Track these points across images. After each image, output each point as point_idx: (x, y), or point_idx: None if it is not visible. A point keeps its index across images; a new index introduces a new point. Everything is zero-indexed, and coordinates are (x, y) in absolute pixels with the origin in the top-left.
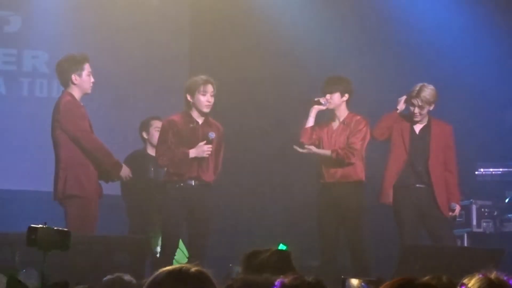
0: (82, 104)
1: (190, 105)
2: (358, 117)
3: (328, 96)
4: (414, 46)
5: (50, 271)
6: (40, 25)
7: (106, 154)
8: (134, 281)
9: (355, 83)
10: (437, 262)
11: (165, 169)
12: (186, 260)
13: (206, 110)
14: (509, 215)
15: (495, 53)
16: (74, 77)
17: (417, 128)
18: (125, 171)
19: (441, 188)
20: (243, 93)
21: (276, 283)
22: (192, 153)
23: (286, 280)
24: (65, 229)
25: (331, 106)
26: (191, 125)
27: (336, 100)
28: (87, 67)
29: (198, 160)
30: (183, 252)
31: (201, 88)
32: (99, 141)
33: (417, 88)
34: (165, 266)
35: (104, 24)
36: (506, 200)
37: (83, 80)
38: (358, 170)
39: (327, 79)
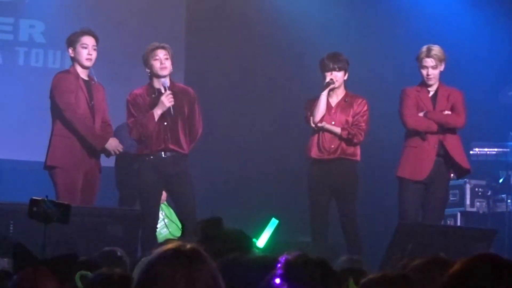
0: (83, 78)
1: (149, 76)
2: (362, 99)
3: (334, 73)
4: (410, 27)
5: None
6: None
7: (88, 128)
8: (125, 257)
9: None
10: (429, 241)
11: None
12: (180, 232)
13: (162, 73)
14: (503, 195)
15: (489, 33)
16: (70, 50)
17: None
18: (112, 144)
19: (456, 148)
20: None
21: (280, 259)
22: (157, 109)
23: (290, 257)
24: (66, 203)
25: (336, 85)
26: (153, 95)
27: (340, 78)
28: (82, 40)
29: (166, 130)
30: (176, 225)
31: (151, 54)
32: (82, 116)
33: (425, 49)
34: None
35: None
36: (500, 180)
37: (77, 53)
38: (358, 151)
39: (332, 56)
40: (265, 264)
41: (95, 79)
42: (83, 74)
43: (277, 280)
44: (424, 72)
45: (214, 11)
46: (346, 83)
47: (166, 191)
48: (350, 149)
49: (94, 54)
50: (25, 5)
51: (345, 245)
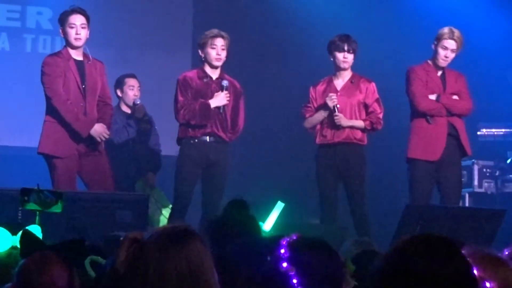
0: (76, 58)
1: (202, 60)
2: (370, 82)
3: (347, 54)
4: (418, 8)
5: (52, 227)
6: None
7: (73, 115)
8: None
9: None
10: (438, 222)
11: (179, 126)
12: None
13: (216, 63)
14: (511, 176)
15: (497, 13)
16: (60, 30)
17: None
18: (97, 130)
19: (463, 130)
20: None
21: (282, 241)
22: (213, 102)
23: (292, 239)
24: (58, 190)
25: (347, 66)
26: (205, 80)
27: (351, 60)
28: (70, 20)
29: (216, 116)
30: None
31: (210, 42)
32: (67, 101)
33: (448, 30)
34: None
35: None
36: (508, 161)
37: (66, 33)
38: (364, 135)
39: (344, 38)
40: (266, 246)
41: (90, 58)
42: (75, 54)
43: (284, 264)
44: (443, 52)
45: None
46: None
47: (202, 175)
48: (358, 134)
49: (83, 33)
50: None
51: (354, 227)
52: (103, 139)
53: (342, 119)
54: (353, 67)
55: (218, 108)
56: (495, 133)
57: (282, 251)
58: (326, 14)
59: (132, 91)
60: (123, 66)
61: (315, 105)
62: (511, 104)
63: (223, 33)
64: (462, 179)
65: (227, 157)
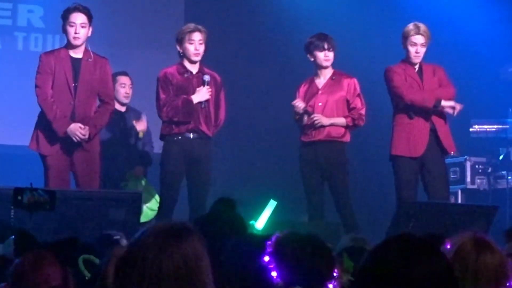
0: (75, 56)
1: (181, 56)
2: (351, 79)
3: (327, 53)
4: (409, 5)
5: (44, 226)
6: None
7: (52, 113)
8: (123, 240)
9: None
10: (431, 219)
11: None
12: (157, 206)
13: (194, 58)
14: (503, 172)
15: (489, 10)
16: (62, 27)
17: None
18: (71, 130)
19: (443, 127)
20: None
21: (272, 238)
22: (195, 98)
23: (281, 235)
24: (51, 189)
25: (329, 64)
26: (185, 75)
27: (332, 58)
28: (70, 18)
29: (199, 111)
30: (155, 199)
31: (187, 37)
32: (48, 99)
33: (413, 27)
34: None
35: None
36: (500, 157)
37: (65, 31)
38: (346, 132)
39: (322, 37)
40: (257, 243)
41: (92, 55)
42: (74, 52)
43: (266, 258)
44: (413, 49)
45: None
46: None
47: (186, 172)
48: (340, 131)
49: (83, 32)
50: None
51: (342, 223)
52: (78, 139)
53: (322, 119)
54: (336, 65)
55: (200, 103)
56: (487, 129)
57: (268, 246)
58: (313, 11)
59: (123, 88)
60: (114, 64)
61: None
62: (503, 100)
63: (200, 27)
64: (455, 176)
65: (210, 152)
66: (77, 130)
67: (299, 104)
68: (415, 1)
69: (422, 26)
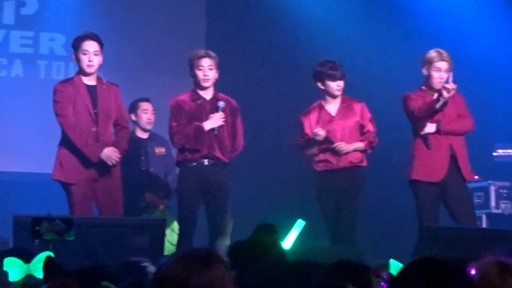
0: (88, 83)
1: (194, 83)
2: (360, 103)
3: (339, 82)
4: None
5: (67, 254)
6: (57, 7)
7: (83, 140)
8: (150, 267)
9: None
10: (455, 243)
11: (176, 150)
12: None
13: (204, 84)
14: None
15: (510, 33)
16: (73, 56)
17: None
18: (106, 154)
19: (462, 154)
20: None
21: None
22: (207, 124)
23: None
24: (69, 217)
25: (340, 93)
26: (198, 102)
27: (343, 86)
28: (83, 46)
29: (212, 138)
30: (174, 231)
31: (196, 63)
32: (77, 127)
33: (436, 53)
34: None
35: (119, 5)
36: None
37: (78, 59)
38: (364, 157)
39: (333, 66)
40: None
41: (104, 82)
42: (87, 79)
43: None
44: (437, 75)
45: (235, 14)
46: None
47: (203, 200)
48: (359, 156)
49: (96, 60)
50: (45, 19)
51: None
52: (114, 162)
53: (344, 146)
54: (347, 89)
55: (212, 129)
56: (511, 153)
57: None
58: (329, 32)
59: (146, 114)
60: (135, 90)
61: (311, 134)
62: None
63: (209, 53)
64: (479, 200)
65: (227, 178)
66: (112, 153)
67: (320, 132)
68: (430, 22)
69: (444, 53)
